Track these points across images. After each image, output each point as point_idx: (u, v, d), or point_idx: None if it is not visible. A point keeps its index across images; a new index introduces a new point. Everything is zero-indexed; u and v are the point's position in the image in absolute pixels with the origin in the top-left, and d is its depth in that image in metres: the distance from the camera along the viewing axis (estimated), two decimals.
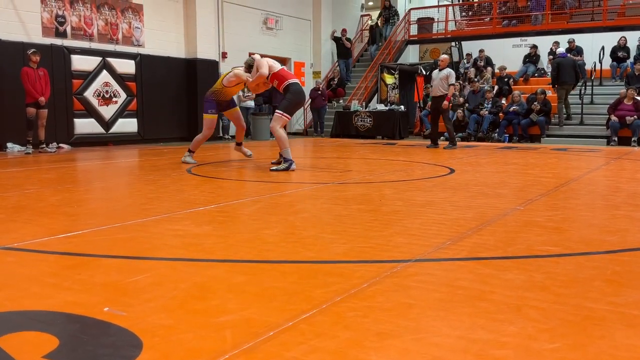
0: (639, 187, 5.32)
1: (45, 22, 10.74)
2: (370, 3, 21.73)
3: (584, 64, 14.71)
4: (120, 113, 12.10)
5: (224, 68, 14.20)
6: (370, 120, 14.56)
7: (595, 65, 14.00)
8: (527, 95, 13.64)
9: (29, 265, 2.64)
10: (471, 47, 16.89)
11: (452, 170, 6.65)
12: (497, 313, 1.98)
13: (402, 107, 14.75)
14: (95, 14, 11.62)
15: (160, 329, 1.83)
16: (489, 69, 15.37)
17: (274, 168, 6.60)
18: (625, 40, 14.46)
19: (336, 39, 17.37)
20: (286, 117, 6.72)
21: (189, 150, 7.71)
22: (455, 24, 18.38)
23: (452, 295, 2.17)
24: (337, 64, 17.65)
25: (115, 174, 6.96)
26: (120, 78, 12.02)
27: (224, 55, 14.33)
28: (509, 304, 2.07)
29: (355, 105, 15.29)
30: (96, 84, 11.59)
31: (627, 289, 2.27)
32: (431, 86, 10.85)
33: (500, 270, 2.51)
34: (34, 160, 8.38)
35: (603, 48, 14.30)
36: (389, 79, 15.86)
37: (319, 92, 15.20)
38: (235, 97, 7.52)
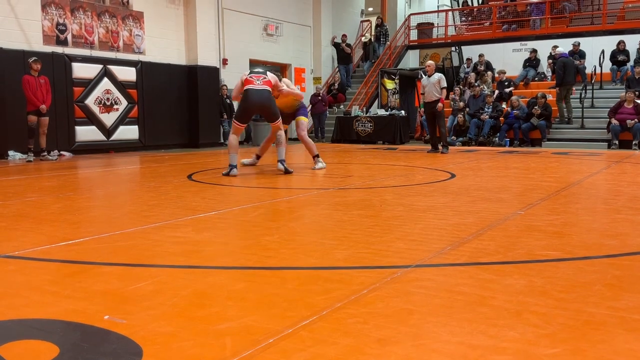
0: None
1: (46, 30, 10.78)
2: (370, 9, 21.78)
3: (585, 67, 14.73)
4: (122, 120, 12.13)
5: (224, 75, 14.26)
6: (370, 126, 14.57)
7: (595, 69, 14.01)
8: (527, 99, 13.65)
9: (29, 273, 2.64)
10: (471, 52, 16.92)
11: (453, 175, 6.65)
12: (497, 318, 1.98)
13: (403, 112, 14.77)
14: (96, 21, 11.67)
15: (160, 337, 1.83)
16: (489, 73, 15.38)
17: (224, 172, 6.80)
18: (624, 44, 14.47)
19: (336, 45, 17.42)
20: (236, 123, 6.97)
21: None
22: (455, 29, 18.41)
23: (453, 300, 2.17)
24: (337, 69, 17.69)
25: (116, 181, 6.97)
26: (121, 85, 12.06)
27: (224, 61, 14.37)
28: (509, 309, 2.07)
29: (355, 110, 15.30)
30: (97, 92, 11.63)
31: (628, 293, 2.26)
32: (423, 93, 10.96)
33: (501, 276, 2.50)
34: (35, 168, 8.39)
35: (603, 52, 14.32)
36: (390, 84, 15.88)
37: (319, 97, 15.22)
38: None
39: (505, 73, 14.98)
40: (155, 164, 8.83)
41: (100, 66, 11.64)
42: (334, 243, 3.20)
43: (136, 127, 12.44)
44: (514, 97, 13.56)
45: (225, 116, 14.04)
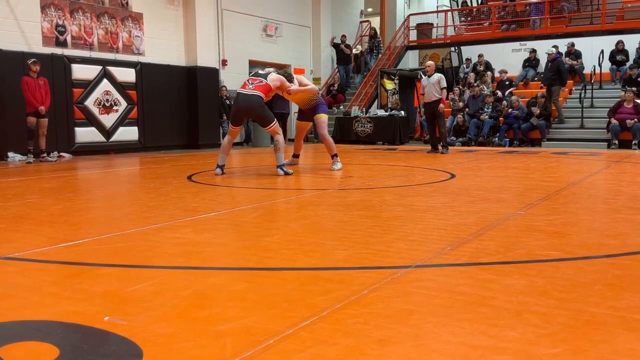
0: None
1: (45, 31, 10.78)
2: (370, 9, 21.79)
3: (583, 67, 14.73)
4: (121, 121, 12.13)
5: (224, 76, 14.26)
6: (370, 126, 14.57)
7: (594, 69, 14.02)
8: (527, 99, 13.66)
9: (29, 274, 2.64)
10: (470, 52, 16.93)
11: (453, 175, 6.65)
12: (497, 318, 1.97)
13: (403, 112, 14.77)
14: (96, 23, 11.67)
15: (160, 338, 1.83)
16: (489, 73, 15.38)
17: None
18: (623, 44, 14.48)
19: (336, 45, 17.42)
20: (230, 126, 7.16)
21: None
22: (455, 29, 18.41)
23: (453, 301, 2.17)
24: (337, 70, 17.69)
25: (116, 182, 6.97)
26: (120, 86, 12.06)
27: (224, 62, 14.38)
28: (510, 309, 2.07)
29: (355, 111, 15.30)
30: (97, 93, 11.63)
31: (628, 293, 2.26)
32: (423, 94, 10.98)
33: (501, 276, 2.50)
34: (35, 169, 8.39)
35: (602, 52, 14.32)
36: (389, 85, 15.89)
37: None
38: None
39: (506, 73, 14.97)
40: (155, 165, 8.83)
41: (99, 67, 11.64)
42: (334, 243, 3.20)
43: (136, 128, 12.44)
44: (514, 97, 13.57)
45: (225, 117, 14.02)
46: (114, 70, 11.90)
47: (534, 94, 13.65)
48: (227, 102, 14.06)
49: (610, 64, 14.68)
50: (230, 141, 7.23)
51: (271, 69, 7.27)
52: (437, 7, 21.55)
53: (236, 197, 5.42)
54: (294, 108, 12.43)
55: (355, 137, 14.71)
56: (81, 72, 11.31)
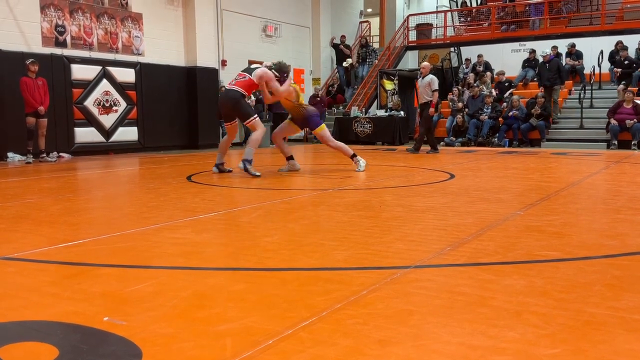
0: (639, 191, 5.32)
1: (45, 31, 10.78)
2: (369, 10, 21.80)
3: (583, 68, 14.74)
4: (121, 122, 12.12)
5: (223, 76, 14.26)
6: (370, 126, 14.58)
7: (594, 69, 14.03)
8: (526, 99, 13.66)
9: (29, 275, 2.64)
10: (470, 52, 16.93)
11: (452, 176, 6.65)
12: (497, 319, 1.97)
13: (402, 112, 14.78)
14: (95, 23, 11.67)
15: (160, 338, 1.83)
16: (488, 73, 15.39)
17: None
18: (623, 44, 14.47)
19: (335, 46, 17.41)
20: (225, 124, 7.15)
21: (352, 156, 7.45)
22: (454, 30, 18.42)
23: (453, 301, 2.17)
24: (336, 70, 17.68)
25: (115, 182, 6.97)
26: (120, 87, 12.05)
27: (223, 63, 14.38)
28: (509, 309, 2.07)
29: (355, 111, 15.31)
30: (96, 93, 11.62)
31: (628, 293, 2.26)
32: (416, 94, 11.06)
33: (501, 276, 2.50)
34: (35, 169, 8.39)
35: (602, 52, 14.33)
36: (389, 85, 15.89)
37: (318, 98, 15.22)
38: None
39: (504, 74, 14.97)
40: (155, 165, 8.82)
41: (99, 67, 11.64)
42: (333, 244, 3.20)
43: (135, 128, 12.44)
44: (515, 97, 13.57)
45: None
46: (113, 70, 11.90)
47: (533, 94, 13.66)
48: None
49: (609, 64, 14.68)
50: (228, 140, 7.21)
51: (267, 63, 7.13)
52: (437, 7, 21.54)
53: (236, 198, 5.41)
54: None
55: (355, 137, 14.71)
56: (81, 72, 11.30)
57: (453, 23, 18.72)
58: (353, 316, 2.01)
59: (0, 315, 2.08)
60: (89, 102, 11.51)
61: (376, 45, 20.75)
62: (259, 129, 6.80)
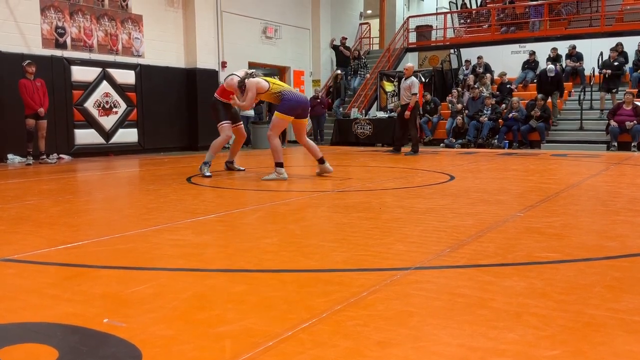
0: (639, 193, 5.32)
1: (45, 33, 10.79)
2: (369, 11, 21.82)
3: (583, 70, 14.74)
4: (121, 123, 12.13)
5: (223, 78, 14.25)
6: (370, 128, 14.58)
7: (594, 71, 14.03)
8: (526, 101, 13.67)
9: (29, 276, 2.64)
10: (470, 54, 16.94)
11: (452, 177, 6.65)
12: (497, 320, 1.97)
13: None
14: (95, 25, 11.68)
15: (160, 340, 1.83)
16: (488, 75, 15.40)
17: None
18: (622, 46, 14.48)
19: (335, 47, 17.42)
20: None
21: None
22: (454, 31, 18.44)
23: (452, 303, 2.17)
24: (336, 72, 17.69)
25: (115, 184, 6.97)
26: (120, 88, 12.06)
27: (223, 64, 14.38)
28: (509, 311, 2.07)
29: (354, 113, 15.31)
30: (96, 95, 11.63)
31: (628, 294, 2.26)
32: (398, 94, 11.11)
33: (500, 277, 2.50)
34: (35, 171, 8.39)
35: (602, 54, 14.34)
36: (388, 87, 15.91)
37: (319, 100, 15.23)
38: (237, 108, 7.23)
39: (506, 75, 14.97)
40: (155, 167, 8.82)
41: (99, 69, 11.64)
42: (333, 245, 3.20)
43: (135, 130, 12.44)
44: (514, 98, 13.58)
45: None
46: (113, 72, 11.90)
47: (533, 96, 13.66)
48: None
49: (623, 59, 14.63)
50: (236, 142, 7.44)
51: (241, 72, 6.92)
52: (437, 9, 21.58)
53: (235, 199, 5.41)
54: None
55: (355, 138, 14.72)
56: (81, 74, 11.31)
57: (453, 25, 18.74)
58: (353, 318, 2.01)
59: (0, 316, 2.07)
60: (89, 104, 11.51)
61: (376, 47, 20.78)
62: (222, 134, 7.10)
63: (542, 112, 12.87)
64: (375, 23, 21.42)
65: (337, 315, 2.03)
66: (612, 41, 14.67)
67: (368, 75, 16.91)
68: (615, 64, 13.62)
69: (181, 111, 13.46)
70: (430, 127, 14.69)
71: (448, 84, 16.56)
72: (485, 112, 13.61)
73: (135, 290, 2.36)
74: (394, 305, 2.14)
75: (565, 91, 14.35)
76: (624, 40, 14.52)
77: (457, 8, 20.22)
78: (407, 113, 10.64)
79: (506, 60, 16.50)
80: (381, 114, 15.11)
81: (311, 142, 7.03)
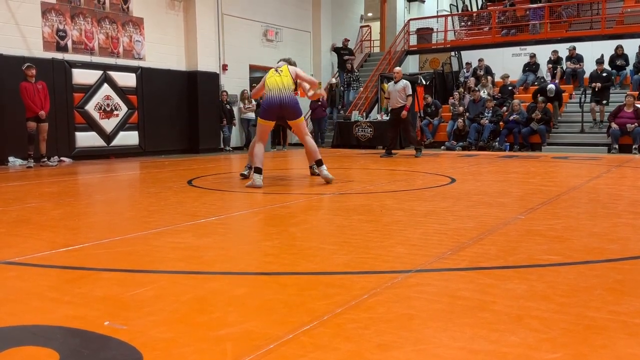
0: None
1: (46, 36, 10.80)
2: (370, 14, 21.84)
3: (584, 72, 14.75)
4: (122, 126, 12.14)
5: (224, 80, 14.28)
6: (370, 131, 14.59)
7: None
8: (527, 104, 13.68)
9: (29, 279, 2.64)
10: (470, 57, 16.96)
11: (453, 180, 6.65)
12: (498, 323, 1.97)
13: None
14: (96, 27, 11.69)
15: (160, 343, 1.83)
16: (489, 77, 15.41)
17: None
18: (622, 49, 14.50)
19: (337, 50, 17.41)
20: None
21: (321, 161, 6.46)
22: (455, 34, 18.45)
23: (453, 305, 2.17)
24: (337, 74, 17.69)
25: (116, 187, 6.97)
26: (121, 91, 12.07)
27: (224, 67, 14.40)
28: (510, 314, 2.07)
29: (355, 115, 15.32)
30: (97, 98, 11.64)
31: (629, 297, 2.26)
32: (388, 98, 11.08)
33: (502, 280, 2.50)
34: (35, 174, 8.39)
35: (602, 56, 14.34)
36: None
37: (319, 102, 15.23)
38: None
39: (508, 77, 14.96)
40: (156, 170, 8.83)
41: (100, 72, 11.66)
42: (334, 248, 3.20)
43: (136, 132, 12.45)
44: (515, 101, 13.58)
45: (225, 122, 14.05)
46: (114, 74, 11.92)
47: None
48: (228, 106, 14.10)
49: (610, 68, 14.69)
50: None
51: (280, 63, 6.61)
52: (437, 11, 21.62)
53: (236, 202, 5.41)
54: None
55: (356, 141, 14.72)
56: (82, 76, 11.32)
57: (454, 27, 18.76)
58: (354, 320, 2.01)
59: (1, 319, 2.07)
60: (90, 107, 11.53)
61: (377, 50, 20.79)
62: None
63: (543, 114, 12.87)
64: (376, 26, 21.44)
65: (338, 318, 2.03)
66: (613, 43, 14.69)
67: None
68: (604, 75, 13.50)
69: (182, 114, 13.48)
70: (431, 129, 14.70)
71: (449, 86, 16.58)
72: (486, 114, 13.62)
73: (136, 293, 2.36)
74: (395, 308, 2.14)
75: (566, 93, 14.35)
76: (624, 42, 14.53)
77: (457, 11, 20.24)
78: (405, 113, 10.67)
79: (507, 62, 16.52)
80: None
81: (311, 143, 6.56)
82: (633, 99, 12.21)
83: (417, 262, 2.82)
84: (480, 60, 16.04)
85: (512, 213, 4.27)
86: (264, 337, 1.86)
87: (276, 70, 6.40)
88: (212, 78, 13.91)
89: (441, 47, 17.97)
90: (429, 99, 14.79)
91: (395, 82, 10.80)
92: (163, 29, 13.03)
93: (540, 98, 13.21)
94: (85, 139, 11.45)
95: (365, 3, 20.39)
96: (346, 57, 17.16)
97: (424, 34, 18.37)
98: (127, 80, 12.19)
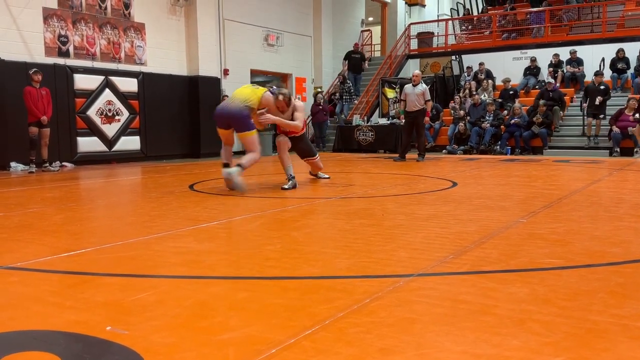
0: None
1: (48, 42, 10.84)
2: (371, 19, 21.87)
3: (584, 75, 14.75)
4: (123, 131, 12.16)
5: (225, 85, 14.29)
6: (372, 135, 14.59)
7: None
8: (528, 107, 13.68)
9: (31, 284, 2.64)
10: (471, 61, 16.97)
11: (455, 184, 6.65)
12: (500, 327, 1.97)
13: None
14: (98, 33, 11.73)
15: (162, 347, 1.83)
16: (490, 81, 15.42)
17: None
18: (624, 52, 14.50)
19: (348, 54, 17.27)
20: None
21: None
22: (455, 38, 18.47)
23: (455, 309, 2.17)
24: (337, 79, 17.71)
25: (118, 191, 6.98)
26: (122, 96, 12.09)
27: (225, 72, 14.42)
28: (512, 317, 2.06)
29: (356, 119, 15.32)
30: (99, 103, 11.66)
31: (631, 300, 2.26)
32: (404, 100, 11.02)
33: (503, 284, 2.50)
34: (37, 179, 8.40)
35: (603, 59, 14.35)
36: (390, 93, 15.92)
37: (320, 107, 15.25)
38: None
39: (510, 81, 14.96)
40: (157, 175, 8.84)
41: (101, 77, 11.68)
42: (335, 252, 3.20)
43: (138, 137, 12.47)
44: (516, 104, 13.58)
45: None
46: (116, 80, 11.94)
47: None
48: None
49: (611, 71, 14.70)
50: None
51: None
52: (438, 16, 21.65)
53: (238, 206, 5.41)
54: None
55: (357, 145, 14.73)
56: (83, 82, 11.35)
57: (454, 31, 18.78)
58: (356, 325, 2.01)
59: (3, 325, 2.08)
60: (92, 112, 11.55)
61: (377, 54, 20.81)
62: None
63: (544, 118, 12.87)
64: (376, 30, 21.47)
65: (339, 323, 2.03)
66: (614, 47, 14.69)
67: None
68: (602, 87, 12.94)
69: (183, 119, 13.49)
70: (432, 133, 14.69)
71: (450, 90, 16.58)
72: (487, 118, 13.62)
73: (138, 297, 2.36)
74: (397, 312, 2.14)
75: (567, 97, 14.35)
76: (625, 46, 14.54)
77: (458, 15, 20.27)
78: (427, 119, 10.71)
79: (508, 66, 16.53)
80: (383, 121, 15.12)
81: (250, 157, 6.16)
82: (635, 102, 12.18)
83: (418, 266, 2.82)
84: (481, 64, 16.06)
85: (514, 217, 4.27)
86: (265, 341, 1.86)
87: (253, 84, 6.54)
88: (214, 83, 13.93)
89: (442, 51, 17.98)
90: (430, 103, 14.76)
91: (414, 85, 10.78)
92: (164, 34, 13.06)
93: (541, 102, 13.21)
94: (87, 144, 11.46)
95: (366, 7, 20.42)
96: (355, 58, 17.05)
97: (425, 38, 18.40)
98: (129, 85, 12.21)
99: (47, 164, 9.86)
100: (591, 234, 3.71)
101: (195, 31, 13.47)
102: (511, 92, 14.68)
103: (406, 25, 18.79)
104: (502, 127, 13.45)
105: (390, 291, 2.40)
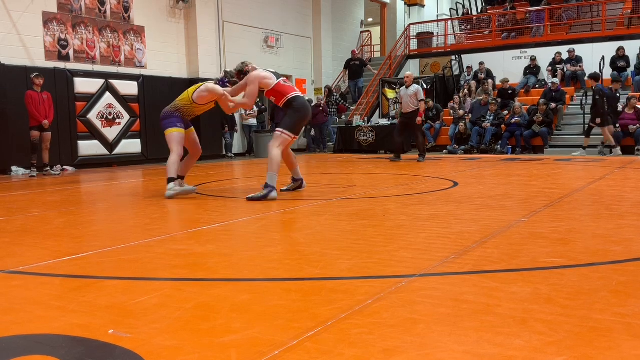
0: None
1: (48, 46, 10.85)
2: (370, 19, 21.90)
3: (584, 73, 14.75)
4: (124, 134, 12.17)
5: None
6: (372, 135, 14.60)
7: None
8: (528, 106, 13.68)
9: (34, 288, 2.64)
10: (471, 60, 16.98)
11: (456, 184, 6.64)
12: (503, 327, 1.97)
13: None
14: (98, 36, 11.74)
15: (165, 350, 1.83)
16: (490, 81, 15.42)
17: (251, 196, 5.57)
18: (624, 50, 14.50)
19: (347, 62, 17.25)
20: (287, 135, 5.75)
21: (174, 178, 6.01)
22: (455, 38, 18.47)
23: (458, 309, 2.16)
24: (338, 79, 17.71)
25: (119, 195, 6.98)
26: (123, 99, 12.10)
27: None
28: (515, 317, 2.06)
29: (357, 120, 15.33)
30: (99, 106, 11.68)
31: (633, 299, 2.25)
32: (400, 102, 11.11)
33: (506, 283, 2.50)
34: (39, 183, 8.41)
35: (603, 58, 14.34)
36: (390, 94, 15.93)
37: (320, 108, 15.26)
38: (237, 115, 6.85)
39: (508, 81, 14.96)
40: (158, 177, 8.84)
41: (102, 81, 11.70)
42: (337, 253, 3.20)
43: (138, 140, 12.48)
44: (517, 104, 13.58)
45: (226, 128, 14.07)
46: (116, 83, 11.96)
47: (535, 102, 13.65)
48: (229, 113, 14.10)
49: (611, 70, 14.69)
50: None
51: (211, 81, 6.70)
52: (437, 16, 21.68)
53: (239, 208, 5.41)
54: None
55: (358, 146, 14.73)
56: (84, 85, 11.36)
57: (454, 31, 18.79)
58: (358, 326, 2.01)
59: (5, 329, 2.08)
60: (92, 115, 11.56)
61: (377, 55, 20.83)
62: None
63: (544, 117, 12.86)
64: (376, 31, 21.50)
65: (342, 324, 2.03)
66: (614, 45, 14.69)
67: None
68: (597, 97, 11.66)
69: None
70: (432, 133, 14.70)
71: (450, 90, 16.59)
72: (487, 117, 13.62)
73: (140, 300, 2.36)
74: (399, 313, 2.13)
75: (567, 96, 14.35)
76: (624, 44, 14.54)
77: (458, 15, 20.28)
78: (420, 119, 10.74)
79: (507, 66, 16.54)
80: (384, 122, 15.12)
81: (171, 161, 6.04)
82: (635, 100, 12.17)
83: (420, 266, 2.82)
84: (481, 63, 16.06)
85: (515, 216, 4.27)
86: (268, 343, 1.86)
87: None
88: None
89: (442, 51, 18.00)
90: (430, 103, 14.79)
91: (407, 87, 10.81)
92: (164, 37, 13.07)
93: (541, 100, 13.21)
94: (88, 147, 11.47)
95: (365, 8, 20.45)
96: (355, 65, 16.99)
97: (425, 38, 18.42)
98: (129, 88, 12.23)
99: (49, 168, 9.87)
100: (593, 233, 3.71)
101: (195, 33, 13.48)
102: (510, 92, 14.69)
103: (406, 26, 18.81)
104: (502, 126, 13.45)
105: (392, 292, 2.40)
